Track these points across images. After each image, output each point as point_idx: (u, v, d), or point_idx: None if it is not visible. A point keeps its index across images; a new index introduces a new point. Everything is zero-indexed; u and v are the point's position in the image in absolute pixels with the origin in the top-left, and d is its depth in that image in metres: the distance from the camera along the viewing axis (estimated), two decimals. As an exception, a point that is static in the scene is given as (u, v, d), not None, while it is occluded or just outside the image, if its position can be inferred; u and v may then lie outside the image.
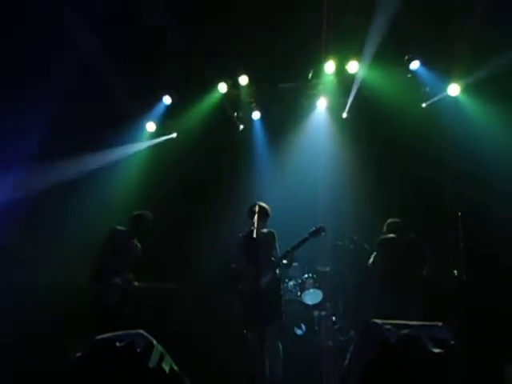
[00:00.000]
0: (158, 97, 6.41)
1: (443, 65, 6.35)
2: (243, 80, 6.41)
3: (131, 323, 2.86)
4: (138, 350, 2.60)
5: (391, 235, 4.30)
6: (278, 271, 4.11)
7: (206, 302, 5.50)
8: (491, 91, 5.91)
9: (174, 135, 6.85)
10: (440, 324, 2.58)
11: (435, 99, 6.44)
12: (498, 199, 5.09)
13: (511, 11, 5.10)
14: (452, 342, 2.48)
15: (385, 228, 4.43)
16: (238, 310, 4.16)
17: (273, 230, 4.22)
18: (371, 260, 4.34)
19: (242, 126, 6.82)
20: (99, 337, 2.77)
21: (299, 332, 5.31)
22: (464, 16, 5.76)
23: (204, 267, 5.75)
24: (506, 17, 5.23)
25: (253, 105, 6.72)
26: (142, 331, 2.75)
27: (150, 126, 6.59)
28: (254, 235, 3.26)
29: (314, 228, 4.06)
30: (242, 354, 4.63)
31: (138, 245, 4.44)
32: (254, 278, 3.67)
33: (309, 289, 5.51)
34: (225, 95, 6.51)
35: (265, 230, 4.18)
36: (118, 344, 2.63)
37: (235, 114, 6.80)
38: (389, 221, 4.45)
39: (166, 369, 2.71)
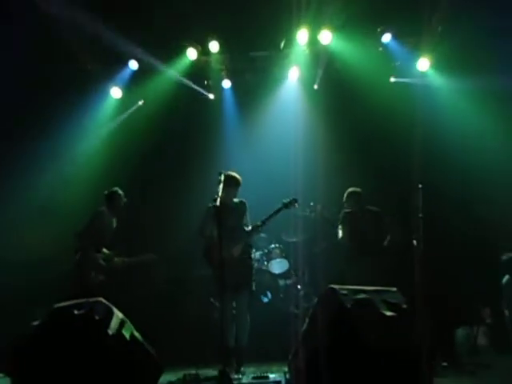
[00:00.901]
0: (123, 61, 6.11)
1: (414, 39, 6.39)
2: (214, 47, 6.20)
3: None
4: (97, 318, 2.59)
5: (353, 208, 4.38)
6: (249, 241, 4.16)
7: (180, 272, 5.53)
8: (459, 67, 6.02)
9: (141, 103, 6.60)
10: (394, 289, 2.69)
11: (403, 74, 6.50)
12: (458, 173, 5.28)
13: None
14: (404, 306, 2.61)
15: (345, 197, 4.49)
16: (209, 279, 4.22)
17: (244, 200, 4.24)
18: (340, 234, 4.44)
19: (212, 95, 6.65)
20: (57, 305, 2.74)
21: (265, 299, 5.45)
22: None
23: (176, 238, 5.72)
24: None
25: (223, 73, 6.55)
26: (101, 299, 2.73)
27: (116, 92, 6.31)
28: (218, 203, 3.25)
29: (287, 199, 4.11)
30: (209, 322, 4.75)
31: (115, 221, 4.55)
32: (224, 247, 3.68)
33: (275, 258, 5.63)
34: (194, 62, 6.30)
35: (236, 200, 4.21)
36: (75, 312, 2.60)
37: (205, 81, 6.61)
38: (349, 190, 4.50)
39: (127, 335, 2.72)
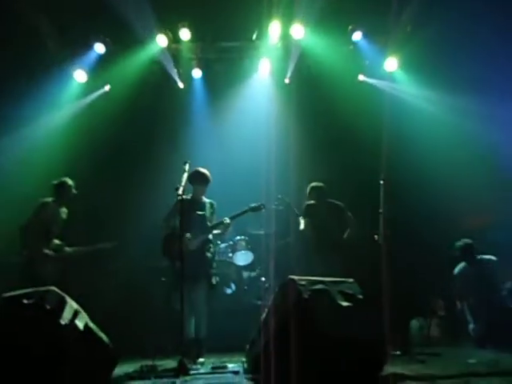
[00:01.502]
0: (89, 44, 5.87)
1: (383, 38, 6.53)
2: (185, 34, 6.08)
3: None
4: (48, 307, 2.49)
5: (315, 201, 4.46)
6: (210, 236, 4.15)
7: (140, 262, 5.42)
8: (426, 68, 6.21)
9: (108, 88, 6.38)
10: (351, 280, 2.75)
11: (372, 73, 6.64)
12: (419, 170, 5.45)
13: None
14: (360, 297, 2.67)
15: (308, 190, 4.56)
16: (169, 270, 4.17)
17: (214, 202, 4.26)
18: (302, 226, 4.50)
19: (181, 84, 6.52)
20: (5, 295, 2.62)
21: (228, 291, 5.46)
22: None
23: (138, 227, 5.59)
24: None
25: (194, 62, 6.43)
26: (53, 288, 2.63)
27: (81, 76, 6.06)
28: (180, 192, 3.21)
29: (255, 204, 4.15)
30: (168, 313, 4.70)
31: (65, 211, 4.43)
32: (185, 240, 3.68)
33: (240, 250, 5.64)
34: (164, 49, 6.16)
35: (207, 200, 4.20)
36: (25, 301, 2.50)
37: (175, 70, 6.47)
38: (312, 184, 4.58)
39: (80, 326, 2.64)
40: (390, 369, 2.65)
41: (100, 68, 6.13)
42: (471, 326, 4.41)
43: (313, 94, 6.52)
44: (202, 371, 3.10)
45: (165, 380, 2.74)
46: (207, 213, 4.14)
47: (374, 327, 2.65)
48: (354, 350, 2.47)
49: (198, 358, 3.69)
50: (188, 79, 6.57)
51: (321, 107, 6.47)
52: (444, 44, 5.76)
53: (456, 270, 4.68)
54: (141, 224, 5.38)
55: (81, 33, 5.77)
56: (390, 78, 6.64)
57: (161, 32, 5.99)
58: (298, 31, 6.12)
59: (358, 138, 6.03)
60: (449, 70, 5.63)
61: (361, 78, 6.77)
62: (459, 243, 4.62)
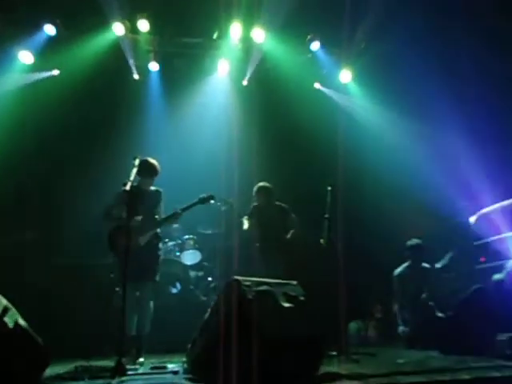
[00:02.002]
0: (38, 25, 5.53)
1: (340, 50, 6.79)
2: (143, 25, 5.92)
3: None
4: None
5: (262, 202, 4.50)
6: (159, 230, 4.05)
7: (82, 258, 5.18)
8: (375, 84, 6.54)
9: (56, 73, 6.03)
10: (294, 282, 2.83)
11: (327, 82, 6.88)
12: (366, 177, 5.72)
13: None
14: (302, 299, 2.75)
15: (255, 191, 4.58)
16: (113, 265, 4.03)
17: (160, 189, 4.11)
18: (246, 225, 4.53)
19: (137, 76, 6.33)
20: None
21: (174, 290, 5.38)
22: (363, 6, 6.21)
23: (83, 222, 5.34)
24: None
25: (151, 55, 6.28)
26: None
27: (27, 57, 5.68)
28: (127, 187, 3.12)
29: (204, 195, 4.08)
30: (111, 310, 4.54)
31: None
32: (132, 234, 3.55)
33: (188, 249, 5.58)
34: (121, 38, 5.95)
35: (152, 188, 4.07)
36: None
37: (131, 61, 6.27)
38: (259, 185, 4.60)
39: (10, 323, 2.48)
40: (325, 368, 2.75)
41: (50, 51, 5.79)
42: (401, 328, 4.69)
43: (269, 98, 6.61)
44: (140, 371, 3.03)
45: (100, 381, 2.64)
46: (154, 202, 4.02)
47: (313, 328, 2.74)
48: (294, 351, 2.54)
49: (138, 357, 3.59)
50: (144, 71, 6.40)
51: (276, 111, 6.58)
52: (394, 63, 6.08)
53: (396, 271, 4.95)
54: (86, 218, 5.14)
55: (29, 12, 5.41)
56: (344, 88, 6.93)
57: (118, 20, 5.79)
58: (259, 35, 6.20)
59: (310, 144, 6.21)
60: (396, 87, 5.96)
61: (317, 86, 6.99)
62: (410, 242, 4.89)
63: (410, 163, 5.65)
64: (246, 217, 4.59)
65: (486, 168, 4.99)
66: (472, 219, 5.11)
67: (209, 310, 2.82)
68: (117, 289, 4.53)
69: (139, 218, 3.75)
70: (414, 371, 2.71)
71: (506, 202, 4.63)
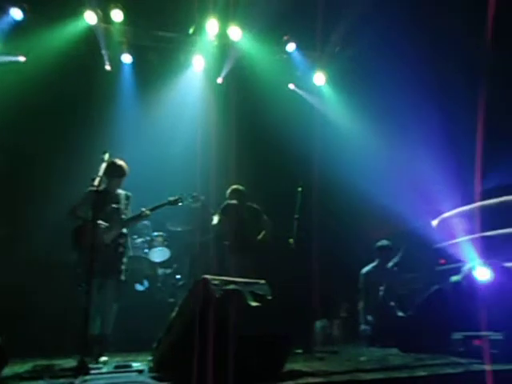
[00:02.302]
0: (3, 8, 5.28)
1: (315, 53, 6.89)
2: (117, 16, 5.78)
3: None
4: None
5: (234, 201, 4.52)
6: (125, 230, 3.99)
7: (44, 255, 4.99)
8: (348, 88, 6.69)
9: (23, 59, 5.77)
10: (262, 281, 2.87)
11: (301, 84, 6.98)
12: (339, 180, 5.83)
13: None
14: (269, 298, 2.79)
15: (228, 193, 4.61)
16: (77, 264, 3.92)
17: (129, 194, 4.08)
18: (215, 222, 4.54)
19: (108, 67, 6.17)
20: None
21: (140, 288, 5.29)
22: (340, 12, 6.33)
23: (47, 218, 5.14)
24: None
25: (124, 46, 6.13)
26: None
27: (-12, 41, 5.41)
28: (96, 182, 3.05)
29: (173, 197, 4.11)
30: (73, 309, 4.42)
31: None
32: (97, 233, 3.49)
33: (157, 247, 5.50)
34: (93, 27, 5.78)
35: (122, 192, 4.02)
36: None
37: (103, 51, 6.09)
38: (233, 187, 4.64)
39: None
40: (290, 366, 2.81)
41: (16, 37, 5.53)
42: (362, 326, 4.84)
43: (244, 96, 6.61)
44: (104, 370, 2.97)
45: (62, 380, 2.57)
46: (122, 205, 3.97)
47: (279, 327, 2.79)
48: (260, 349, 2.57)
49: (101, 356, 3.52)
50: (117, 63, 6.24)
51: (250, 109, 6.58)
52: (367, 67, 6.24)
53: (363, 269, 5.08)
54: (50, 214, 4.95)
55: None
56: (318, 91, 7.05)
57: (90, 9, 5.62)
58: (236, 33, 6.20)
59: (283, 144, 6.26)
60: (368, 92, 6.12)
61: (291, 87, 7.06)
62: (379, 243, 5.05)
63: (379, 166, 5.81)
64: (218, 212, 4.59)
65: (449, 174, 5.21)
66: (434, 223, 5.35)
67: (176, 308, 2.80)
68: (79, 287, 4.41)
69: (103, 224, 3.70)
70: (374, 368, 2.82)
71: (464, 208, 4.87)
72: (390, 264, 5.03)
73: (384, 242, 5.02)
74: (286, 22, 6.35)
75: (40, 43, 5.60)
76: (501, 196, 4.77)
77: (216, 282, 2.63)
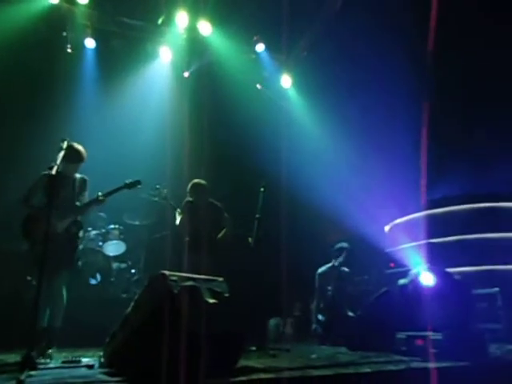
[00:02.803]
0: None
1: (282, 56, 7.01)
2: (82, -3, 5.57)
3: None
4: None
5: (195, 199, 4.47)
6: (79, 218, 3.81)
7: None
8: (312, 92, 6.86)
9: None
10: (220, 279, 2.89)
11: (268, 85, 7.06)
12: (301, 181, 5.97)
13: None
14: (226, 295, 2.82)
15: (189, 187, 4.54)
16: (27, 254, 3.71)
17: (86, 177, 3.87)
18: (178, 220, 4.48)
19: (70, 50, 5.89)
20: None
21: (93, 281, 5.12)
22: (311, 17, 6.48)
23: None
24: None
25: (88, 30, 5.90)
26: None
27: None
28: (54, 172, 2.91)
29: (130, 180, 3.86)
30: (21, 300, 4.20)
31: None
32: (50, 221, 3.32)
33: (112, 240, 5.34)
34: (55, 7, 5.52)
35: (78, 176, 3.82)
36: None
37: (64, 33, 5.82)
38: (194, 181, 4.55)
39: None
40: (243, 362, 2.85)
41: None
42: (314, 326, 5.01)
43: (211, 92, 6.56)
44: (51, 365, 2.86)
45: (5, 376, 2.45)
46: (77, 189, 3.79)
47: (235, 324, 2.83)
48: (215, 345, 2.59)
49: (48, 350, 3.37)
50: (79, 47, 5.98)
51: (216, 106, 6.53)
52: (331, 74, 6.42)
53: (319, 269, 5.21)
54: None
55: None
56: (284, 92, 7.17)
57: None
58: (206, 28, 6.16)
59: (247, 142, 6.30)
60: (330, 98, 6.31)
61: (259, 87, 7.12)
62: (337, 244, 5.20)
63: (338, 170, 6.01)
64: (179, 211, 4.51)
65: (401, 182, 5.49)
66: (386, 228, 5.64)
67: (132, 303, 2.76)
68: (28, 278, 4.21)
69: (55, 211, 3.50)
70: (324, 365, 2.94)
71: (413, 216, 5.18)
72: (336, 263, 5.15)
73: (342, 244, 5.18)
74: (256, 22, 6.40)
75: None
76: (446, 206, 5.10)
77: (174, 278, 2.61)
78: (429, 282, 3.61)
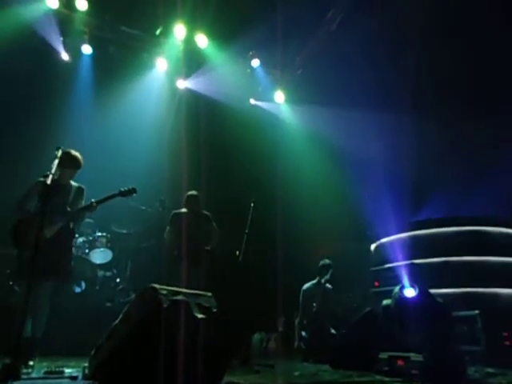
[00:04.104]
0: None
1: (276, 72, 7.15)
2: (81, 4, 5.62)
3: None
4: None
5: (184, 210, 4.50)
6: (72, 225, 3.77)
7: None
8: (308, 110, 6.98)
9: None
10: (209, 294, 2.91)
11: (262, 100, 7.19)
12: (292, 196, 6.03)
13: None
14: (214, 310, 2.84)
15: (184, 199, 4.58)
16: (11, 259, 3.65)
17: (83, 186, 3.85)
18: (165, 233, 4.49)
19: (66, 57, 5.90)
20: None
21: (77, 289, 5.05)
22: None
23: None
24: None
25: (86, 37, 5.93)
26: None
27: None
28: (49, 181, 2.90)
29: (125, 188, 3.85)
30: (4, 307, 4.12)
31: None
32: (42, 230, 3.27)
33: (99, 247, 5.30)
34: (54, 12, 5.54)
35: (74, 184, 3.80)
36: None
37: (61, 39, 5.84)
38: (188, 193, 4.60)
39: None
40: (228, 378, 2.86)
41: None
42: (296, 343, 5.01)
43: (205, 104, 6.64)
44: (33, 375, 2.82)
45: (-14, 386, 2.41)
46: (72, 197, 3.76)
47: (222, 340, 2.84)
48: (202, 360, 2.61)
49: (29, 360, 3.32)
50: (75, 53, 6.01)
51: (211, 118, 6.60)
52: (325, 92, 6.56)
53: (304, 286, 5.22)
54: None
55: None
56: (277, 108, 7.29)
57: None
58: (202, 40, 6.27)
59: (239, 154, 6.37)
60: (323, 116, 6.44)
61: (252, 101, 7.24)
62: (322, 261, 5.22)
63: (329, 188, 6.11)
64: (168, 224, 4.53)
65: (390, 202, 5.59)
66: (372, 247, 5.73)
67: (120, 315, 2.75)
68: (15, 287, 4.14)
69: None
70: (306, 383, 2.96)
71: (401, 235, 5.29)
72: (322, 281, 5.19)
73: (326, 261, 5.23)
74: (253, 37, 6.52)
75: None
76: (431, 228, 5.23)
77: (164, 292, 2.63)
78: (411, 294, 3.70)
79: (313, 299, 5.08)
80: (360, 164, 6.05)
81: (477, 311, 4.14)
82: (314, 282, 5.23)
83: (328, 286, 5.17)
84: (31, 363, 3.31)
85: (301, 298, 5.22)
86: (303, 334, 5.00)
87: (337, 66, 6.32)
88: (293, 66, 7.18)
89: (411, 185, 5.31)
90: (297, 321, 5.19)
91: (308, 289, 5.22)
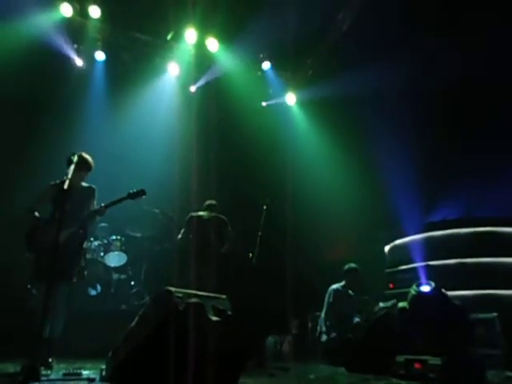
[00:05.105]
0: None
1: (288, 74, 7.15)
2: (94, 12, 5.72)
3: None
4: None
5: (200, 213, 4.53)
6: (87, 228, 3.82)
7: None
8: (320, 111, 6.96)
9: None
10: (223, 297, 2.92)
11: (273, 102, 7.20)
12: (306, 199, 6.01)
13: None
14: (229, 313, 2.85)
15: (205, 205, 4.64)
16: (28, 263, 3.73)
17: (94, 186, 3.90)
18: (180, 235, 4.52)
19: (80, 63, 6.01)
20: None
21: (93, 292, 5.11)
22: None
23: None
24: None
25: (99, 43, 6.03)
26: None
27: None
28: (66, 186, 2.95)
29: (134, 190, 3.87)
30: (22, 310, 4.19)
31: None
32: (50, 231, 3.33)
33: (114, 251, 5.36)
34: (68, 20, 5.66)
35: (85, 185, 3.86)
36: None
37: (74, 45, 5.95)
38: (206, 203, 4.69)
39: None
40: (242, 381, 2.86)
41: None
42: (324, 336, 4.79)
43: (217, 107, 6.67)
44: (52, 377, 2.86)
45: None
46: (83, 198, 3.81)
47: (238, 342, 2.84)
48: (217, 363, 2.61)
49: (47, 361, 3.37)
50: (89, 59, 6.12)
51: (222, 121, 6.63)
52: (336, 93, 6.52)
53: (333, 286, 5.03)
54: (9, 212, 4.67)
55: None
56: (288, 110, 7.30)
57: (67, 1, 5.51)
58: (213, 44, 6.31)
59: (252, 157, 6.38)
60: (335, 117, 6.40)
61: (264, 103, 7.26)
62: (346, 265, 5.09)
63: (342, 190, 6.07)
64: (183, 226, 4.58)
65: (405, 203, 5.52)
66: (386, 248, 5.67)
67: (136, 317, 2.78)
68: (33, 290, 4.21)
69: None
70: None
71: (416, 237, 5.21)
72: (337, 286, 5.04)
73: (351, 265, 5.12)
74: (263, 40, 6.53)
75: (6, 30, 5.31)
76: (446, 229, 5.14)
77: (180, 295, 2.64)
78: (427, 289, 3.64)
79: (338, 300, 4.95)
80: (374, 165, 6.01)
81: (495, 314, 4.06)
82: (342, 283, 5.05)
83: (350, 292, 5.03)
84: (50, 363, 3.36)
85: (330, 296, 5.01)
86: (329, 334, 4.85)
87: (348, 66, 6.28)
88: (303, 68, 7.18)
89: (426, 186, 5.25)
90: (320, 319, 5.02)
91: (337, 289, 5.01)
